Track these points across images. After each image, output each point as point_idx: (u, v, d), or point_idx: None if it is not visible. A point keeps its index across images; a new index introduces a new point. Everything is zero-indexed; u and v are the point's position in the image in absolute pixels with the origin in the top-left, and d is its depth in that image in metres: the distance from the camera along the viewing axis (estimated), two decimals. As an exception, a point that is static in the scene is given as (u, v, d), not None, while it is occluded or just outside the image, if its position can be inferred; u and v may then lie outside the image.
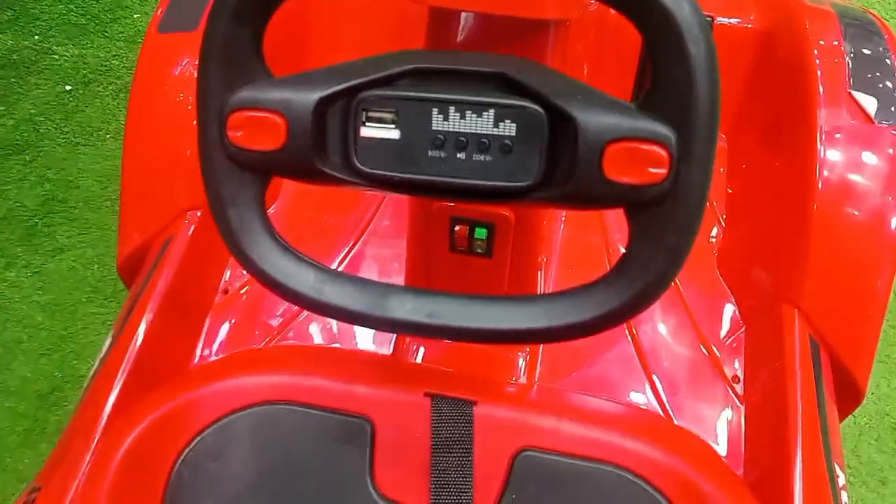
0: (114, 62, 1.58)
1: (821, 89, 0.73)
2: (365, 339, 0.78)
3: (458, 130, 0.35)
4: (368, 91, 0.35)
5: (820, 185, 0.69)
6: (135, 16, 1.67)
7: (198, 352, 0.78)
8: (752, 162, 0.84)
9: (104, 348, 0.73)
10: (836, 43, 0.76)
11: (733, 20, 0.84)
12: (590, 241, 0.84)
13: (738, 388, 0.73)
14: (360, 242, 0.86)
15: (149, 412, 0.60)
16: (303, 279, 0.38)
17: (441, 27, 0.48)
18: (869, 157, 0.70)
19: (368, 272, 0.84)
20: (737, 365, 0.75)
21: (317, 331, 0.79)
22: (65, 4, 1.68)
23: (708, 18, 0.82)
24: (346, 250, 0.85)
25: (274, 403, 0.61)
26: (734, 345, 0.76)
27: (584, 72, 0.83)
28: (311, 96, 0.35)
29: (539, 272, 0.68)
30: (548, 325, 0.36)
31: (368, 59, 0.38)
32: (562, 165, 0.34)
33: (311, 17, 0.92)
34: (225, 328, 0.80)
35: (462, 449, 0.57)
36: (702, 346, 0.76)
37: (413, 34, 0.49)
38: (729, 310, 0.79)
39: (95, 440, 0.61)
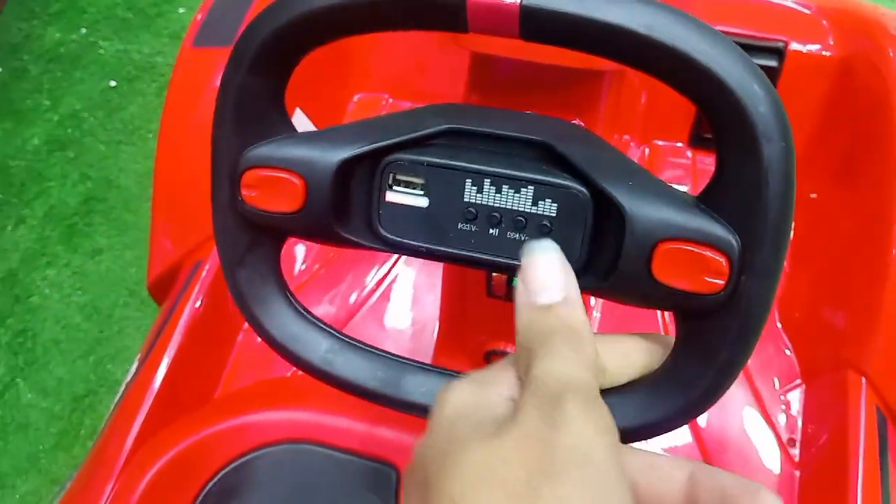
0: (157, 59, 1.58)
1: None
2: None
3: (492, 205, 0.31)
4: (397, 154, 0.32)
5: None
6: (179, 10, 1.66)
7: (226, 376, 0.78)
8: (822, 200, 0.77)
9: (130, 373, 0.73)
10: None
11: (809, 47, 0.77)
12: None
13: (794, 452, 0.68)
14: (395, 268, 0.83)
15: (171, 446, 0.60)
16: (313, 347, 0.36)
17: (484, 73, 0.44)
18: None
19: (403, 302, 0.82)
20: (793, 424, 0.69)
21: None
22: (112, -4, 1.68)
23: (781, 43, 0.76)
24: (382, 274, 0.83)
25: (297, 442, 0.60)
26: (791, 402, 0.71)
27: (641, 100, 0.78)
28: (334, 157, 0.32)
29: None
30: None
31: (399, 114, 0.34)
32: (606, 255, 0.31)
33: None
34: (254, 353, 0.79)
35: None
36: (755, 402, 0.70)
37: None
38: (787, 362, 0.73)
39: (116, 472, 0.61)
